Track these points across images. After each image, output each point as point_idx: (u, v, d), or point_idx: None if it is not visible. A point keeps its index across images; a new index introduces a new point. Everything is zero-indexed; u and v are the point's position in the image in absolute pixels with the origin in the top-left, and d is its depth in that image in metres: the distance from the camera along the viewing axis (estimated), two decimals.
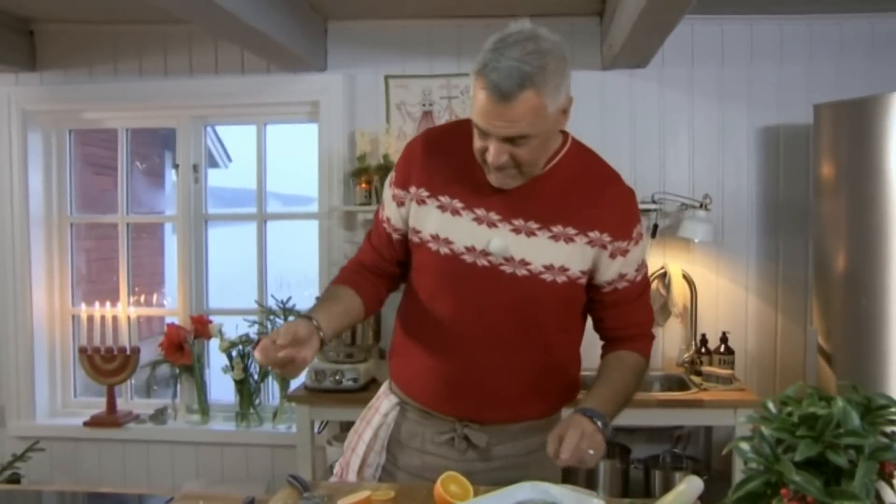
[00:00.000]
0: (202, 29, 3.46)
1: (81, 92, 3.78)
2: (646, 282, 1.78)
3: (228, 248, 5.14)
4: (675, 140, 3.54)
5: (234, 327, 3.77)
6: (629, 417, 3.12)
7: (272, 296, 3.79)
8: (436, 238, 1.68)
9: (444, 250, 1.67)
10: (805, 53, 3.48)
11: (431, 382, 1.75)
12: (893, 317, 2.75)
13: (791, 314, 3.52)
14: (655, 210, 3.46)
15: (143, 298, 4.04)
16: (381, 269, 1.83)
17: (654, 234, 3.48)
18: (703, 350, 3.40)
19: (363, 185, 3.51)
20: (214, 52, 3.70)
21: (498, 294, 1.66)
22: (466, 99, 3.55)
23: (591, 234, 1.64)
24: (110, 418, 3.74)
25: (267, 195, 3.91)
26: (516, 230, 1.64)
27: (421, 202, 1.70)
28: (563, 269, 1.65)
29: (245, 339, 3.69)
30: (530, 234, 1.64)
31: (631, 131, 3.55)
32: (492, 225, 1.64)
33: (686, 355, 3.45)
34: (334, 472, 1.84)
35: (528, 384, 1.72)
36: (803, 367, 3.40)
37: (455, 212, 1.67)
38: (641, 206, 3.39)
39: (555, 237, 1.64)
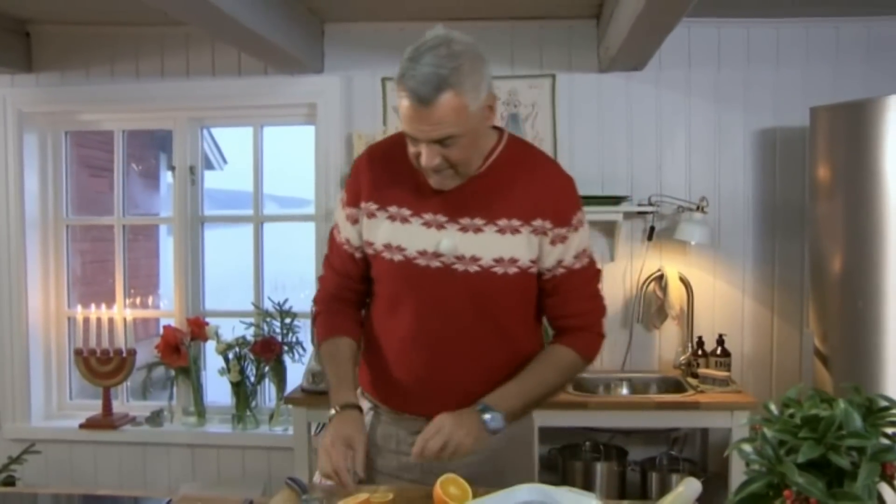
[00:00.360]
0: (199, 31, 3.46)
1: (78, 93, 3.77)
2: (589, 272, 1.80)
3: (224, 251, 5.14)
4: (672, 142, 3.55)
5: (231, 329, 3.76)
6: (626, 419, 3.18)
7: (268, 298, 3.78)
8: (388, 247, 1.74)
9: (397, 257, 1.73)
10: (801, 56, 3.49)
11: (401, 387, 1.80)
12: (889, 319, 2.76)
13: (787, 316, 3.52)
14: (652, 212, 3.47)
15: (138, 300, 4.03)
16: (352, 290, 1.88)
17: (650, 237, 3.49)
18: (699, 352, 3.40)
19: None
20: (211, 53, 3.70)
21: (454, 292, 1.71)
22: None
23: (535, 223, 1.70)
24: (106, 420, 3.73)
25: (264, 197, 3.91)
26: (464, 229, 1.70)
27: (371, 216, 1.76)
28: (513, 261, 1.70)
29: (241, 342, 3.68)
30: (477, 230, 1.69)
31: (628, 134, 3.55)
32: (440, 227, 1.70)
33: (682, 357, 3.46)
34: (314, 480, 1.85)
35: (495, 377, 1.75)
36: (799, 369, 3.42)
37: (404, 220, 1.73)
38: (638, 209, 3.43)
39: (501, 230, 1.69)
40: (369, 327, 1.87)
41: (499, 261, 1.69)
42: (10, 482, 3.32)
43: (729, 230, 3.53)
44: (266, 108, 3.75)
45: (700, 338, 3.44)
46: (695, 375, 3.31)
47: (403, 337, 1.77)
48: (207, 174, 4.13)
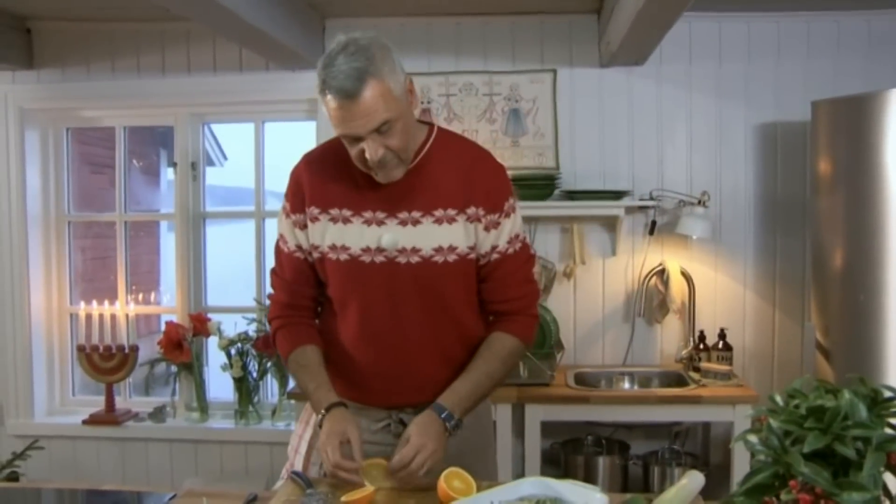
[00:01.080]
0: (200, 27, 3.46)
1: (79, 90, 3.78)
2: (523, 257, 1.86)
3: (226, 246, 5.14)
4: (673, 137, 3.55)
5: (233, 325, 3.77)
6: (627, 413, 3.19)
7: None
8: (333, 248, 1.79)
9: (343, 257, 1.79)
10: (802, 51, 3.49)
11: (358, 382, 1.86)
12: (890, 312, 2.77)
13: (789, 310, 3.53)
14: (653, 207, 3.48)
15: (140, 296, 4.03)
16: (306, 297, 1.91)
17: (651, 231, 3.50)
18: (701, 346, 3.40)
19: None
20: (213, 49, 3.70)
21: (400, 284, 1.77)
22: (464, 97, 3.55)
23: (469, 211, 1.76)
24: (109, 416, 3.73)
25: (265, 193, 3.91)
26: (403, 222, 1.76)
27: (315, 220, 1.81)
28: (452, 248, 1.77)
29: (244, 337, 3.69)
30: (416, 223, 1.76)
31: (629, 128, 3.55)
32: (380, 223, 1.77)
33: (684, 352, 3.47)
34: (280, 475, 1.87)
35: (449, 361, 1.84)
36: (801, 363, 3.42)
37: (346, 220, 1.78)
38: (640, 203, 3.44)
39: (438, 221, 1.76)
40: (325, 329, 1.91)
41: (438, 250, 1.76)
42: (13, 478, 3.33)
43: (730, 224, 3.54)
44: (267, 103, 3.75)
45: (702, 332, 3.44)
46: (696, 369, 3.32)
47: (357, 334, 1.82)
48: (209, 170, 4.13)
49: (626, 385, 3.45)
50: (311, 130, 3.70)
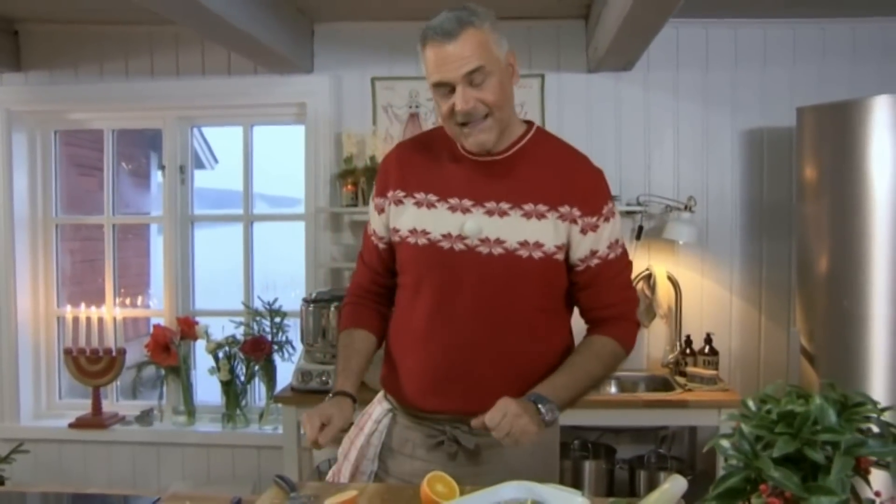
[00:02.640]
0: (189, 30, 3.46)
1: (67, 92, 3.77)
2: (622, 263, 1.79)
3: (215, 250, 5.13)
4: (661, 142, 3.57)
5: (221, 329, 3.77)
6: (614, 418, 3.19)
7: (258, 297, 3.79)
8: (413, 232, 1.75)
9: (422, 241, 1.74)
10: (788, 57, 3.51)
11: (417, 378, 1.78)
12: (874, 318, 2.79)
13: (774, 315, 3.55)
14: (640, 212, 3.49)
15: (128, 300, 4.03)
16: (380, 283, 1.90)
17: (638, 236, 3.51)
18: (687, 351, 3.42)
19: (349, 187, 3.52)
20: (201, 53, 3.70)
21: (477, 275, 1.70)
22: None
23: (562, 209, 1.69)
24: (96, 420, 3.73)
25: (254, 196, 3.91)
26: (489, 212, 1.70)
27: (398, 203, 1.78)
28: (538, 245, 1.69)
29: (231, 341, 3.69)
30: (503, 214, 1.70)
31: (616, 134, 3.57)
32: (466, 211, 1.71)
33: (671, 356, 3.48)
34: (327, 479, 1.85)
35: (514, 371, 1.73)
36: (786, 367, 3.43)
37: (430, 205, 1.74)
38: (627, 208, 3.45)
39: (527, 215, 1.69)
40: (393, 321, 1.87)
41: (523, 244, 1.69)
42: None
43: (716, 230, 3.56)
44: (256, 107, 3.76)
45: (688, 336, 3.46)
46: (683, 374, 3.33)
47: (422, 322, 1.75)
48: (199, 173, 4.13)
49: (613, 389, 3.46)
50: (300, 134, 3.71)
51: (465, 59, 1.59)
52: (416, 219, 1.74)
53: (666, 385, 3.33)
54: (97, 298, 3.87)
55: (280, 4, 3.25)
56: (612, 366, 1.79)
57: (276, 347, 3.66)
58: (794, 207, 3.26)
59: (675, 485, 1.51)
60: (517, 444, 1.56)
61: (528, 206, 1.69)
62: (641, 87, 3.56)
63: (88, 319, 3.78)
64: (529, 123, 1.80)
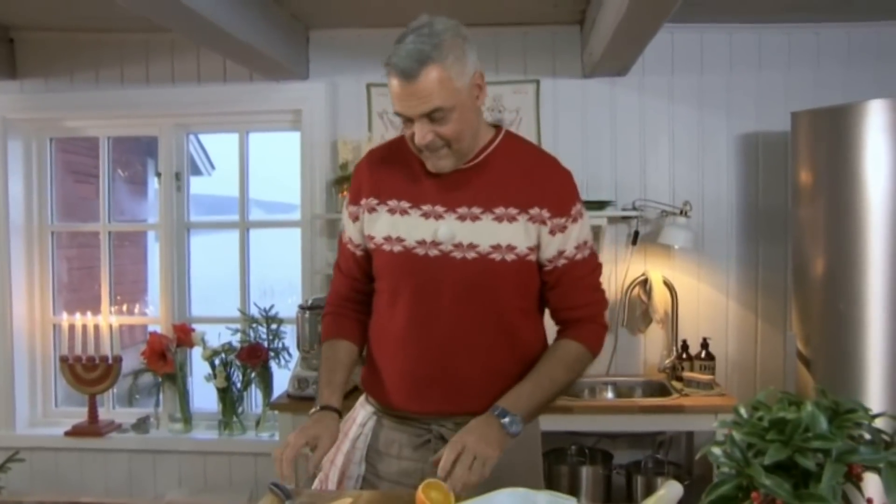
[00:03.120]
0: (184, 38, 3.46)
1: (62, 100, 3.77)
2: (591, 265, 1.82)
3: (211, 256, 5.13)
4: (656, 147, 3.57)
5: (217, 336, 3.76)
6: (611, 423, 3.19)
7: (255, 304, 3.78)
8: (388, 239, 1.78)
9: (397, 248, 1.77)
10: (783, 62, 3.52)
11: (398, 382, 1.81)
12: (870, 321, 2.78)
13: (771, 319, 3.55)
14: (636, 217, 3.49)
15: (125, 307, 4.02)
16: (360, 290, 1.92)
17: (634, 241, 3.51)
18: (684, 356, 3.42)
19: (345, 194, 3.51)
20: (197, 60, 3.70)
21: (452, 280, 1.73)
22: None
23: (532, 211, 1.73)
24: (92, 428, 3.71)
25: (249, 203, 3.91)
26: (461, 217, 1.73)
27: (372, 210, 1.81)
28: (511, 248, 1.73)
29: (227, 348, 3.68)
30: (475, 218, 1.73)
31: (612, 139, 3.57)
32: (438, 217, 1.74)
33: (667, 361, 3.48)
34: (313, 486, 1.85)
35: (495, 370, 1.77)
36: (783, 371, 3.43)
37: (403, 212, 1.77)
38: (622, 213, 3.45)
39: (498, 218, 1.73)
40: (372, 325, 1.89)
41: (496, 247, 1.72)
42: None
43: (712, 234, 3.56)
44: (251, 114, 3.76)
45: (684, 341, 3.45)
46: (679, 379, 3.33)
47: (401, 327, 1.78)
48: (196, 180, 4.13)
49: (610, 395, 3.46)
50: (296, 141, 3.71)
51: (423, 100, 1.61)
52: (391, 226, 1.78)
53: (663, 390, 3.32)
54: (93, 306, 3.86)
55: (275, 11, 3.25)
56: (578, 370, 1.82)
57: (272, 354, 3.66)
58: (790, 211, 3.26)
59: (671, 490, 1.51)
60: (483, 475, 1.57)
61: (499, 210, 1.73)
62: (637, 93, 3.56)
63: (84, 327, 3.77)
64: (498, 128, 1.82)
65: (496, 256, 1.72)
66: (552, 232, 1.73)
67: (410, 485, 1.76)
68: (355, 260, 1.89)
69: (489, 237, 1.72)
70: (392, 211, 1.78)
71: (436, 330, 1.75)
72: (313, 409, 1.76)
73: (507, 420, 1.64)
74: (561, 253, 1.75)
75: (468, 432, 1.61)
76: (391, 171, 1.81)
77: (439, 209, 1.74)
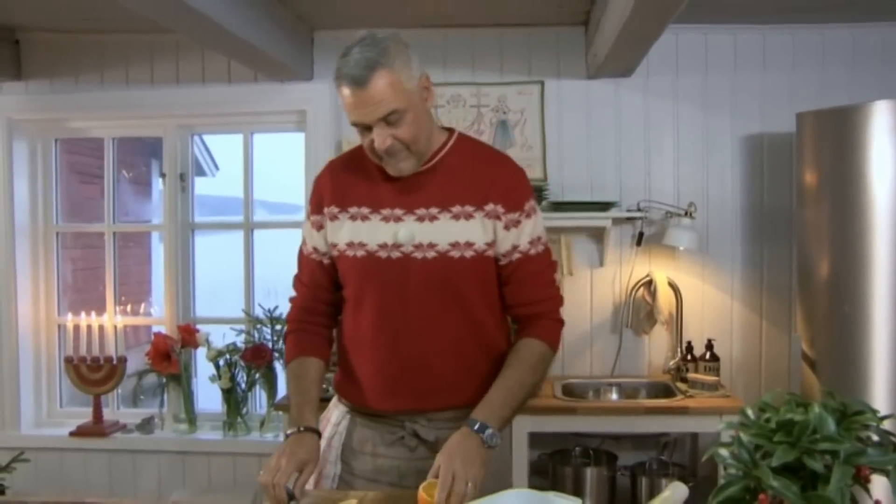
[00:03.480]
0: (188, 39, 3.47)
1: (67, 101, 3.78)
2: (544, 261, 1.86)
3: (215, 257, 5.14)
4: (660, 148, 3.57)
5: (222, 336, 3.77)
6: (615, 425, 3.19)
7: (259, 304, 3.78)
8: (351, 245, 1.82)
9: (360, 253, 1.81)
10: (788, 63, 3.51)
11: (369, 383, 1.84)
12: (876, 323, 2.78)
13: (776, 321, 3.54)
14: (641, 218, 3.49)
15: (129, 307, 4.03)
16: (325, 301, 1.94)
17: (639, 242, 3.51)
18: (688, 357, 3.41)
19: None
20: (201, 61, 3.71)
21: (416, 279, 1.78)
22: (452, 108, 3.56)
23: (487, 208, 1.77)
24: (97, 428, 3.72)
25: (254, 204, 3.91)
26: (420, 218, 1.78)
27: (334, 218, 1.85)
28: (469, 244, 1.77)
29: (232, 349, 3.69)
30: (433, 219, 1.78)
31: (616, 140, 3.57)
32: (398, 220, 1.79)
33: (672, 362, 3.48)
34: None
35: (465, 365, 1.82)
36: (788, 373, 3.43)
37: (364, 218, 1.82)
38: (627, 214, 3.45)
39: (455, 216, 1.77)
40: (341, 331, 1.93)
41: (454, 245, 1.77)
42: None
43: (717, 235, 3.55)
44: (256, 115, 3.76)
45: (689, 343, 3.45)
46: (684, 380, 3.33)
47: (370, 329, 1.82)
48: (200, 181, 4.14)
49: (614, 396, 3.45)
50: (300, 142, 3.71)
51: (378, 105, 1.65)
52: (353, 232, 1.82)
53: (667, 391, 3.32)
54: (98, 306, 3.87)
55: (279, 12, 3.26)
56: (543, 370, 1.85)
57: (276, 355, 3.66)
58: (795, 213, 3.26)
59: (676, 492, 1.51)
60: (473, 495, 1.58)
61: (456, 208, 1.77)
62: (641, 94, 3.56)
63: (89, 327, 3.77)
64: (451, 130, 1.87)
65: (455, 254, 1.76)
66: (506, 227, 1.78)
67: (386, 482, 1.83)
68: (322, 268, 1.91)
69: (448, 235, 1.77)
70: (353, 217, 1.82)
71: (403, 330, 1.79)
72: (291, 430, 1.77)
73: (486, 434, 1.66)
74: (515, 247, 1.79)
75: (452, 456, 1.60)
76: (351, 180, 1.85)
77: (398, 212, 1.79)
